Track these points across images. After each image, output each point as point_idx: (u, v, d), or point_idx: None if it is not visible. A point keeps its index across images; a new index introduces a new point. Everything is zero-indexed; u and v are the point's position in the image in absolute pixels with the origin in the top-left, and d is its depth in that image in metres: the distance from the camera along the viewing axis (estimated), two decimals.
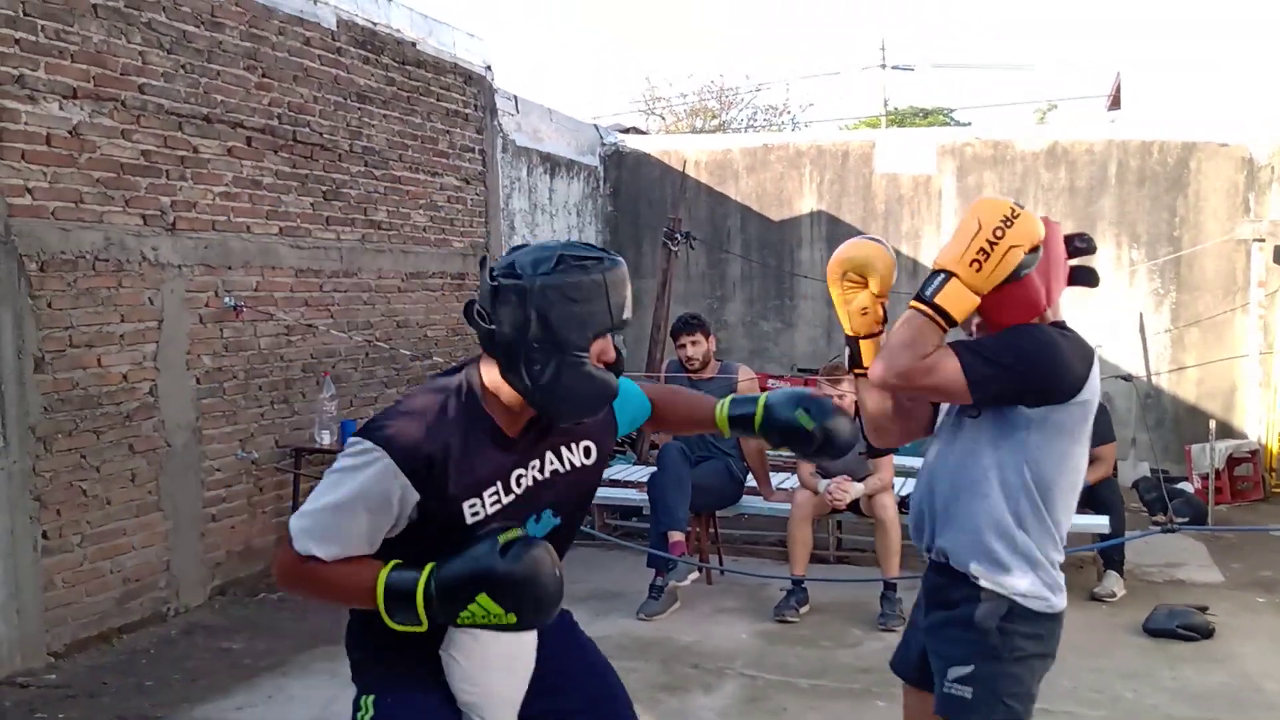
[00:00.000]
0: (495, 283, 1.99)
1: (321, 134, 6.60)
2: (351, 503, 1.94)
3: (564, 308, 1.96)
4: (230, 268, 5.92)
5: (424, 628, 1.95)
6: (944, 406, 2.61)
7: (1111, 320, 8.77)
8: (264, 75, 6.15)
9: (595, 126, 11.13)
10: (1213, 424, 7.84)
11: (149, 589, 5.43)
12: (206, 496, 5.78)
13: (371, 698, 2.13)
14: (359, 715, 2.14)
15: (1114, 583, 5.85)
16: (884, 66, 26.55)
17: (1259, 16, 10.60)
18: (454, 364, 2.18)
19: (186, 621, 5.52)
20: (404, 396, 2.14)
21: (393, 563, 1.97)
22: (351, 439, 2.01)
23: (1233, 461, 8.27)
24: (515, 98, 9.15)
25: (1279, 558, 6.71)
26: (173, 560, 5.56)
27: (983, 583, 2.43)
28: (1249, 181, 9.13)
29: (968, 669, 2.42)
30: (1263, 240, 8.76)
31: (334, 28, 6.71)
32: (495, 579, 1.89)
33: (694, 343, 5.97)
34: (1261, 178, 8.99)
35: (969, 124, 25.42)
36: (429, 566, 1.94)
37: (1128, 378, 8.04)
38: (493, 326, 2.00)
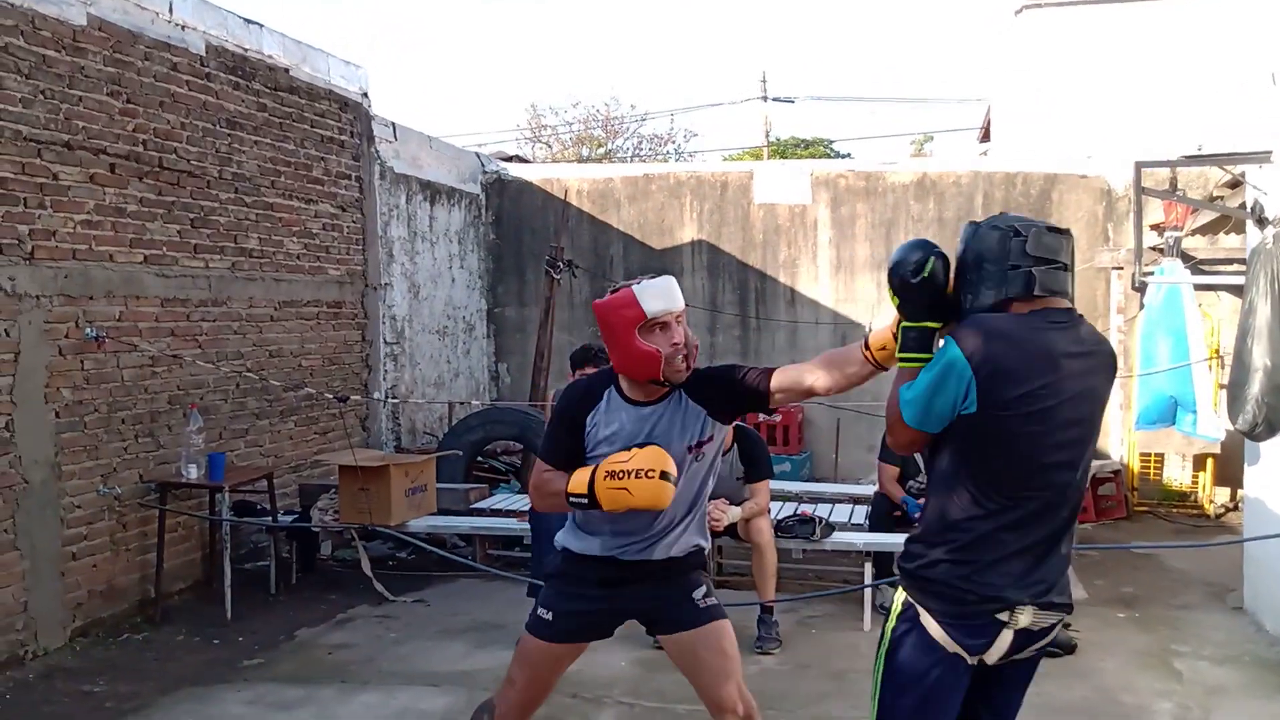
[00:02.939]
0: None
1: (189, 160, 6.45)
2: None
3: None
4: (92, 298, 5.73)
5: None
6: None
7: None
8: (128, 101, 5.99)
9: (476, 154, 11.11)
10: None
11: (5, 631, 5.18)
12: (66, 534, 5.56)
13: None
14: None
15: None
16: (765, 98, 27.09)
17: (1119, 53, 11.18)
18: None
19: (45, 664, 5.28)
20: None
21: None
22: None
23: (1097, 481, 8.62)
24: (394, 124, 9.08)
25: (1140, 574, 7.01)
26: (30, 601, 5.32)
27: None
28: (1108, 212, 9.60)
29: None
30: (1121, 268, 9.19)
31: (203, 53, 6.57)
32: None
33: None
34: (1119, 208, 9.45)
35: (849, 155, 26.15)
36: None
37: None
38: None
